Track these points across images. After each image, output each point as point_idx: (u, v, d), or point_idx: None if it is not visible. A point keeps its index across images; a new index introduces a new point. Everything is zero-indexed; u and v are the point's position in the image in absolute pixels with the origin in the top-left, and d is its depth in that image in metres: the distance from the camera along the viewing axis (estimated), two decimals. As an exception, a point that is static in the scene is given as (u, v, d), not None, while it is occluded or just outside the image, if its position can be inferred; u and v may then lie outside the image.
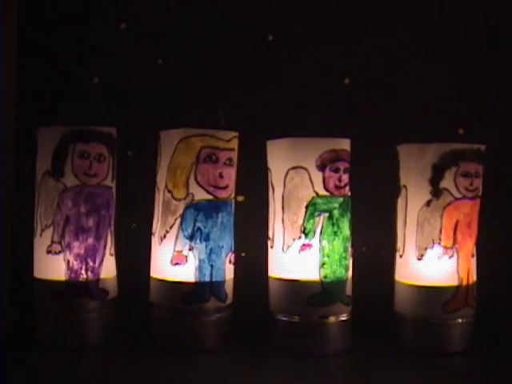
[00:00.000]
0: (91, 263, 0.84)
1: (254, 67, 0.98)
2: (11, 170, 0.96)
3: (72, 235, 0.83)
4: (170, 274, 0.83)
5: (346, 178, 0.83)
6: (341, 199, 0.83)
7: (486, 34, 0.96)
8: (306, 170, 0.81)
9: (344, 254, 0.83)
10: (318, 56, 0.97)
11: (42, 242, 0.84)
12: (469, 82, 0.96)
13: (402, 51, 0.96)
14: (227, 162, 0.83)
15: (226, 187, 0.83)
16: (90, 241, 0.84)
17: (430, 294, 0.83)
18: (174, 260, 0.82)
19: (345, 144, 0.83)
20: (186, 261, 0.82)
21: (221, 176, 0.83)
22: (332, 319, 0.83)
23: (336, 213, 0.82)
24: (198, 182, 0.82)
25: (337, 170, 0.82)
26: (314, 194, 0.82)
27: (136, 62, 0.98)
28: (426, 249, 0.83)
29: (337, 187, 0.82)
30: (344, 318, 0.83)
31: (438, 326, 0.83)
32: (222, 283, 0.84)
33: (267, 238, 0.86)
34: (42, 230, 0.84)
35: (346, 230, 0.83)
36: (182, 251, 0.82)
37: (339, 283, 0.83)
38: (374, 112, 0.96)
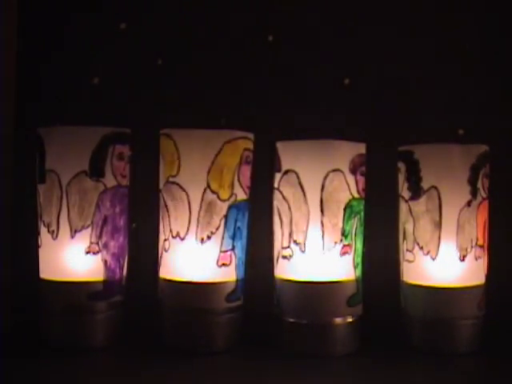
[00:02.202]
0: (121, 262, 0.86)
1: (254, 67, 0.98)
2: (11, 170, 0.96)
3: (109, 235, 0.84)
4: (215, 275, 0.83)
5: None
6: (363, 201, 0.85)
7: (485, 34, 0.96)
8: (342, 172, 0.83)
9: (363, 255, 0.86)
10: (319, 56, 0.97)
11: (73, 243, 0.83)
12: (469, 82, 0.96)
13: (402, 51, 0.96)
14: (251, 163, 0.86)
15: (250, 187, 0.86)
16: (121, 240, 0.86)
17: (469, 294, 0.84)
18: (220, 260, 0.83)
19: (364, 148, 0.86)
20: (231, 260, 0.83)
21: (250, 177, 0.85)
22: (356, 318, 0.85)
23: (363, 214, 0.85)
24: (240, 183, 0.84)
25: (362, 174, 0.85)
26: (351, 197, 0.83)
27: (136, 62, 0.98)
28: (467, 249, 0.84)
29: (363, 190, 0.85)
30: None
31: (474, 326, 0.85)
32: (244, 280, 0.86)
33: (292, 242, 0.84)
34: (75, 232, 0.83)
35: (364, 231, 0.86)
36: (227, 251, 0.83)
37: (362, 282, 0.86)
38: (374, 113, 0.96)
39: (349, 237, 0.83)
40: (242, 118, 0.96)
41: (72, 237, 0.83)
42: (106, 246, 0.84)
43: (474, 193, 0.84)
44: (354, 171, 0.83)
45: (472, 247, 0.84)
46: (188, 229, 0.83)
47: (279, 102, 0.97)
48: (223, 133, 0.83)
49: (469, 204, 0.84)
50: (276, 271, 0.86)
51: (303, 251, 0.83)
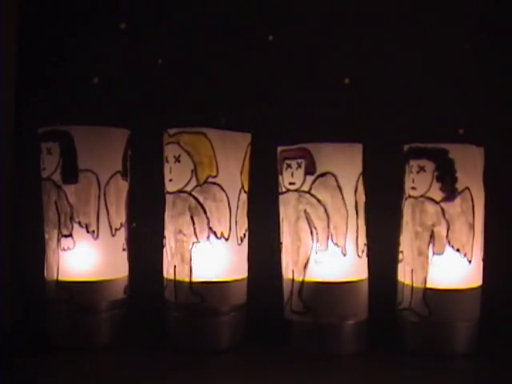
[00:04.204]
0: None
1: (254, 67, 0.98)
2: (11, 170, 0.96)
3: (128, 232, 0.88)
4: (245, 270, 0.86)
5: None
6: None
7: (486, 34, 0.96)
8: (362, 175, 0.85)
9: None
10: (319, 56, 0.97)
11: (114, 241, 0.85)
12: (469, 82, 0.96)
13: (402, 51, 0.96)
14: None
15: None
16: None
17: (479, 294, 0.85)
18: (247, 257, 0.86)
19: None
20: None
21: (249, 177, 0.88)
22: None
23: None
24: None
25: None
26: (365, 199, 0.85)
27: (136, 62, 0.98)
28: (484, 250, 0.85)
29: None
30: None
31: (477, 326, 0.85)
32: None
33: (332, 245, 0.83)
34: (116, 230, 0.85)
35: None
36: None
37: None
38: (375, 114, 0.96)
39: (366, 238, 0.86)
40: (241, 118, 0.96)
41: (113, 235, 0.85)
42: (128, 242, 0.87)
43: (487, 194, 0.84)
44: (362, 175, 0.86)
45: (483, 248, 0.85)
46: (230, 229, 0.83)
47: (279, 102, 0.97)
48: (247, 136, 0.85)
49: (485, 205, 0.85)
50: (306, 275, 0.84)
51: (345, 254, 0.83)
